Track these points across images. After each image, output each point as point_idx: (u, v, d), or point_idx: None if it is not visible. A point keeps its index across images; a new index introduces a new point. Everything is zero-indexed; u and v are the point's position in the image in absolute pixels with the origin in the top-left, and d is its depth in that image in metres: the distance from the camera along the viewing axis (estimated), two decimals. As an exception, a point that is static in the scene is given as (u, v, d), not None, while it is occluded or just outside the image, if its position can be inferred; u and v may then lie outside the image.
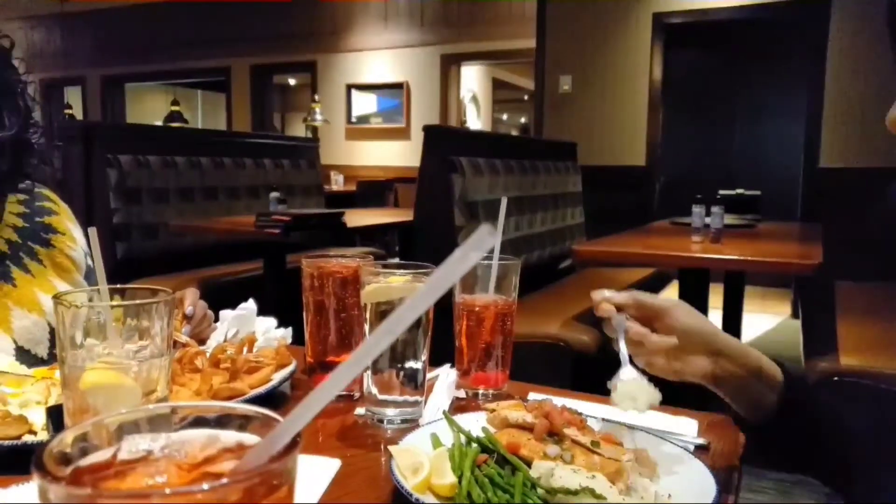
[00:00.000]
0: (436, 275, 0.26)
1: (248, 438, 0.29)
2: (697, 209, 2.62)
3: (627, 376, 0.77)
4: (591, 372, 2.51)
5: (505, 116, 13.47)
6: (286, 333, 1.03)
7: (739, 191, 3.71)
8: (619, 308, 0.77)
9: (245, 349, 0.90)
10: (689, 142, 6.32)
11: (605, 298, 0.78)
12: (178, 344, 0.91)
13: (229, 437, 0.29)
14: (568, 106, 5.93)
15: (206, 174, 3.72)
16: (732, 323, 3.47)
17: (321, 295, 0.87)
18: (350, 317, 0.88)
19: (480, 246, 0.25)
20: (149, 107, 11.52)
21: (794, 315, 5.11)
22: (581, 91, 5.88)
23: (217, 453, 0.29)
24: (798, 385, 0.75)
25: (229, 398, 0.78)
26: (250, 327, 1.02)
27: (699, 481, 0.64)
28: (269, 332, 1.03)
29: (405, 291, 0.79)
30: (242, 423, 0.30)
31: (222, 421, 0.30)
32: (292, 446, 0.26)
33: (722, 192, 3.53)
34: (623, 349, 0.78)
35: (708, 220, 2.56)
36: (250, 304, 1.05)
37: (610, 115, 5.79)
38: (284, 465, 0.26)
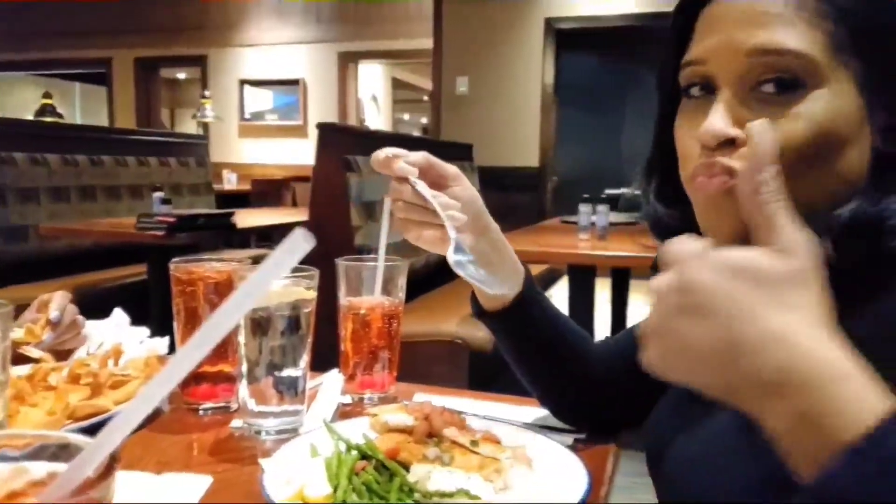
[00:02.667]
0: (249, 282, 0.24)
1: (62, 468, 0.26)
2: (584, 208, 2.71)
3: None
4: (488, 368, 2.55)
5: (406, 116, 13.48)
6: (159, 344, 0.97)
7: (625, 190, 3.88)
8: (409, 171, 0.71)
9: (110, 362, 0.84)
10: (581, 143, 6.55)
11: (396, 155, 0.71)
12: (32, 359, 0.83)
13: (39, 468, 0.26)
14: (465, 107, 6.00)
15: (82, 173, 3.49)
16: (619, 315, 3.63)
17: (193, 301, 0.83)
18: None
19: (295, 250, 0.23)
20: (17, 100, 10.67)
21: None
22: (477, 92, 5.96)
23: (24, 488, 0.26)
24: (535, 291, 0.79)
25: (91, 416, 0.73)
26: (119, 339, 0.96)
27: (573, 475, 0.65)
28: (141, 343, 0.97)
29: (282, 296, 0.77)
30: (56, 451, 0.27)
31: (34, 451, 0.27)
32: (107, 472, 0.24)
33: (608, 191, 3.68)
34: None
35: (594, 218, 2.66)
36: (120, 315, 0.99)
37: (505, 116, 5.91)
38: (93, 494, 0.23)
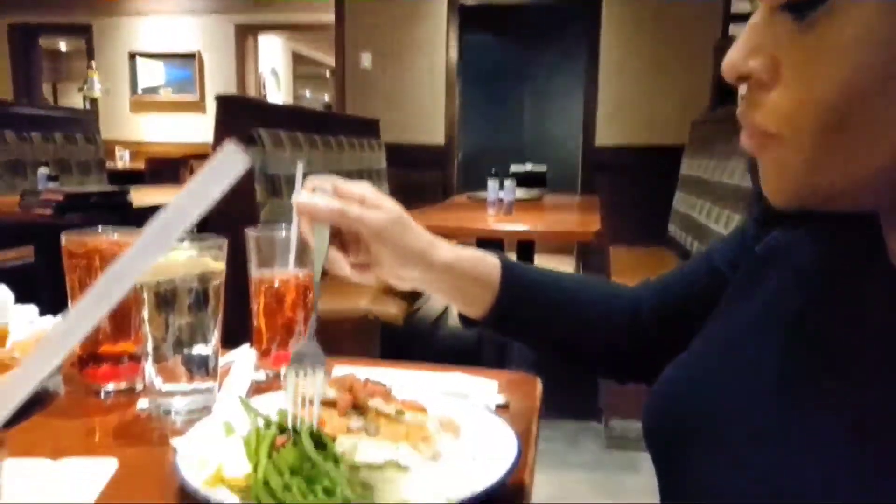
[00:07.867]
0: (172, 207, 0.19)
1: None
2: (492, 184, 2.73)
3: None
4: (399, 342, 2.55)
5: (308, 93, 13.12)
6: (52, 323, 0.89)
7: (528, 166, 3.94)
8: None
9: (-6, 344, 0.76)
10: (484, 120, 6.61)
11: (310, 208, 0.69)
12: None
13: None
14: (369, 83, 5.90)
15: (-49, 148, 3.19)
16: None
17: (88, 276, 0.76)
18: (125, 299, 0.78)
19: (227, 169, 0.18)
20: None
21: (578, 278, 5.61)
22: (381, 69, 5.87)
23: None
24: (515, 287, 0.74)
25: (-27, 403, 0.66)
26: (3, 318, 0.87)
27: (501, 439, 0.65)
28: (31, 323, 0.89)
29: (189, 267, 0.72)
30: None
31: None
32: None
33: (513, 167, 3.73)
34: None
35: (501, 193, 2.69)
36: (2, 292, 0.90)
37: (410, 93, 5.85)
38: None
